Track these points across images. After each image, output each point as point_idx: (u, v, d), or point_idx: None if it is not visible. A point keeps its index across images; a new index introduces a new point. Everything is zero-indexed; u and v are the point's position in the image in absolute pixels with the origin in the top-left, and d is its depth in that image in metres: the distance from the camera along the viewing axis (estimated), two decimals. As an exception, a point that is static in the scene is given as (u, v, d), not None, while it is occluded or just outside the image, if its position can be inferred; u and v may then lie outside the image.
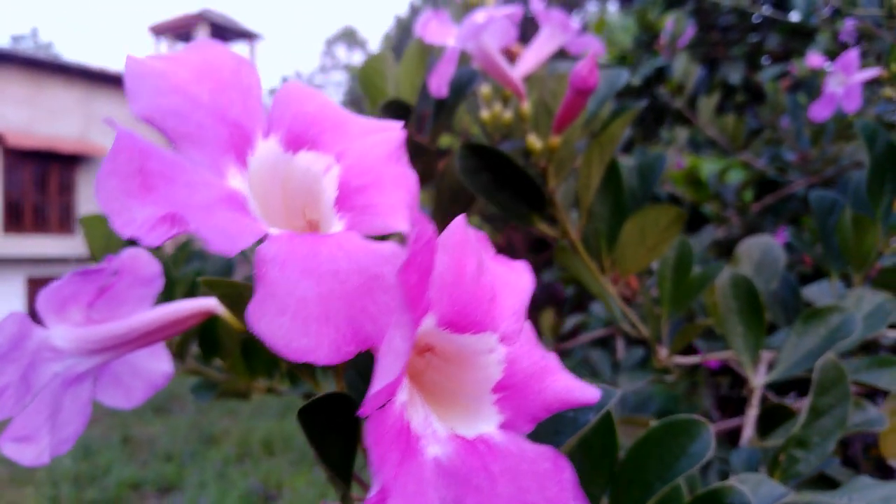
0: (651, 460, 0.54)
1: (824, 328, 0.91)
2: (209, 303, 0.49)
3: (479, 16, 0.86)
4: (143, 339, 0.51)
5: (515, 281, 0.34)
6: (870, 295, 1.03)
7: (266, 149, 0.37)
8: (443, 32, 0.88)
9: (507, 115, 1.15)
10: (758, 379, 0.95)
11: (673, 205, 0.89)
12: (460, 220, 0.33)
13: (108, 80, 15.21)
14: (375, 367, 0.27)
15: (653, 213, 0.92)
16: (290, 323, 0.27)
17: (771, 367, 1.08)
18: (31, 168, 14.32)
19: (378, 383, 0.26)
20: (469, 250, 0.32)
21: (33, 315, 0.51)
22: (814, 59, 3.54)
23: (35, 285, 14.44)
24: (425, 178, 0.94)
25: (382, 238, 0.33)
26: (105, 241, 1.22)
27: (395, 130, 0.41)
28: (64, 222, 15.00)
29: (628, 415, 2.34)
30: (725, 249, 3.18)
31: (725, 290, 0.93)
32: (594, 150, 0.88)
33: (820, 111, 1.55)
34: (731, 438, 1.63)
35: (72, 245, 14.66)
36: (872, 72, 1.47)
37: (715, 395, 2.88)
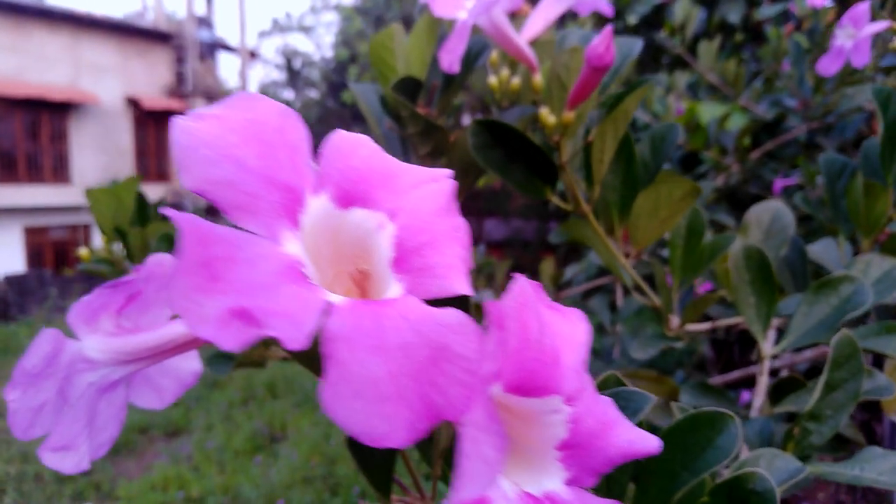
0: (677, 451, 0.56)
1: (836, 298, 0.92)
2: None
3: (492, -12, 0.84)
4: (178, 349, 0.51)
5: (573, 333, 0.34)
6: (878, 260, 1.04)
7: (317, 206, 0.36)
8: (453, 5, 0.85)
9: (515, 81, 1.13)
10: (768, 348, 0.96)
11: (685, 177, 0.88)
12: (522, 280, 0.32)
13: (95, 25, 14.81)
14: (459, 463, 0.27)
15: (666, 187, 0.92)
16: (366, 407, 0.27)
17: (780, 333, 1.09)
18: (22, 117, 14.07)
19: (466, 491, 0.26)
20: (532, 312, 0.32)
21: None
22: (816, -2, 3.47)
23: (33, 235, 14.38)
24: (437, 154, 0.93)
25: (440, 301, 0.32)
26: (113, 213, 1.21)
27: (444, 181, 0.40)
28: (58, 171, 14.83)
29: (627, 365, 2.38)
30: (726, 197, 3.18)
31: (738, 262, 0.94)
32: (608, 124, 0.87)
33: (828, 65, 1.53)
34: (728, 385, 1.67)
35: (67, 194, 14.53)
36: (882, 24, 1.45)
37: (711, 338, 2.92)
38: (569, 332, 0.33)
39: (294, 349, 0.27)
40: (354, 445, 0.45)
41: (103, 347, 0.51)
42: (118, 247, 1.30)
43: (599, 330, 2.87)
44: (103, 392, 0.52)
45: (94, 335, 0.52)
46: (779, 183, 3.11)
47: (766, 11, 4.19)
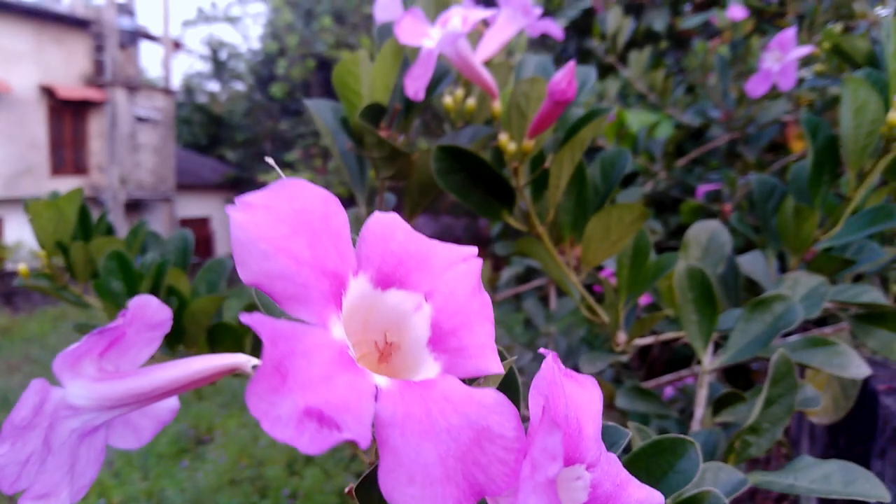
0: (641, 476, 0.59)
1: (770, 315, 0.99)
2: (238, 360, 0.49)
3: (456, 21, 0.86)
4: (165, 394, 0.51)
5: (591, 403, 0.37)
6: (805, 278, 1.12)
7: (356, 287, 0.38)
8: (418, 33, 0.87)
9: (470, 102, 1.16)
10: (708, 362, 1.02)
11: (638, 204, 0.93)
12: (550, 362, 0.35)
13: (7, 9, 13.99)
14: None
15: (618, 210, 0.96)
16: (419, 492, 0.29)
17: (716, 346, 1.16)
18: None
19: None
20: (560, 390, 0.35)
21: None
22: (735, 11, 3.64)
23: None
24: (400, 177, 0.95)
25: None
26: (54, 227, 1.17)
27: (473, 260, 0.42)
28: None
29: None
30: (653, 203, 3.31)
31: (682, 282, 0.99)
32: (565, 151, 0.90)
33: (756, 87, 1.62)
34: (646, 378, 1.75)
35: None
36: (806, 49, 1.55)
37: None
38: (587, 401, 0.36)
39: (364, 448, 0.28)
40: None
41: (87, 394, 0.51)
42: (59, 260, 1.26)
43: (532, 328, 2.94)
44: (85, 437, 0.52)
45: (77, 380, 0.51)
46: (701, 189, 3.26)
47: (689, 22, 4.37)
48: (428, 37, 0.89)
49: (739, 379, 2.84)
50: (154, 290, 1.08)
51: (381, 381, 0.33)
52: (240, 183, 18.00)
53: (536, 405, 0.33)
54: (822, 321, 1.54)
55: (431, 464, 0.30)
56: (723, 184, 3.30)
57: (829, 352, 1.03)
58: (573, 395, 0.36)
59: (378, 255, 0.39)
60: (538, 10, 1.17)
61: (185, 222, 16.76)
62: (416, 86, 0.87)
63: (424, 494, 0.29)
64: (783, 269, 1.32)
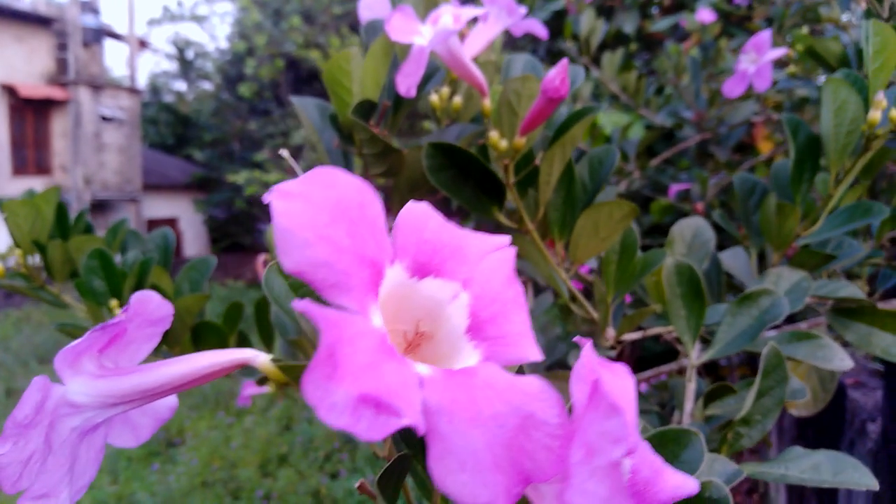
0: (645, 467, 0.60)
1: (756, 310, 1.00)
2: (247, 354, 0.48)
3: (448, 18, 0.86)
4: (171, 391, 0.50)
5: (626, 390, 0.37)
6: (788, 273, 1.14)
7: (392, 276, 0.38)
8: (409, 30, 0.87)
9: (457, 100, 1.16)
10: (696, 356, 1.04)
11: (627, 200, 0.94)
12: (589, 349, 0.35)
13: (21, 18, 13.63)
14: None
15: (606, 208, 0.97)
16: (470, 478, 0.29)
17: (703, 340, 1.18)
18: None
19: None
20: (601, 377, 0.35)
21: None
22: (704, 14, 3.69)
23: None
24: (391, 174, 0.94)
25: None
26: (31, 226, 1.14)
27: (507, 249, 0.42)
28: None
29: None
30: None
31: (671, 277, 1.01)
32: (556, 149, 0.91)
33: (733, 88, 1.65)
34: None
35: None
36: (781, 51, 1.58)
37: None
38: (623, 388, 0.36)
39: (421, 434, 0.28)
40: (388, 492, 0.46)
41: (89, 391, 0.50)
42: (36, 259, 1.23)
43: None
44: (85, 435, 0.51)
45: (78, 377, 0.50)
46: (673, 188, 3.31)
47: (658, 24, 4.44)
48: (419, 34, 0.88)
49: (708, 375, 2.89)
50: (137, 289, 1.06)
51: (423, 369, 0.33)
52: (208, 183, 17.77)
53: (580, 391, 0.33)
54: (794, 317, 1.58)
55: (480, 451, 0.30)
56: (694, 183, 3.35)
57: (812, 345, 1.05)
58: (610, 383, 0.36)
59: (413, 244, 0.39)
60: (523, 10, 1.18)
61: (153, 223, 16.47)
62: (408, 83, 0.86)
63: (475, 481, 0.29)
64: (762, 265, 1.35)
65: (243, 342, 1.29)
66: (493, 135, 0.93)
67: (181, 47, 20.52)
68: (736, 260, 1.34)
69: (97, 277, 1.04)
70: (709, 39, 3.53)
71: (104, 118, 15.31)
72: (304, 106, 1.11)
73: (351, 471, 5.64)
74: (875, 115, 0.98)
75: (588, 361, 0.33)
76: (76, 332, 1.05)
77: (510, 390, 0.33)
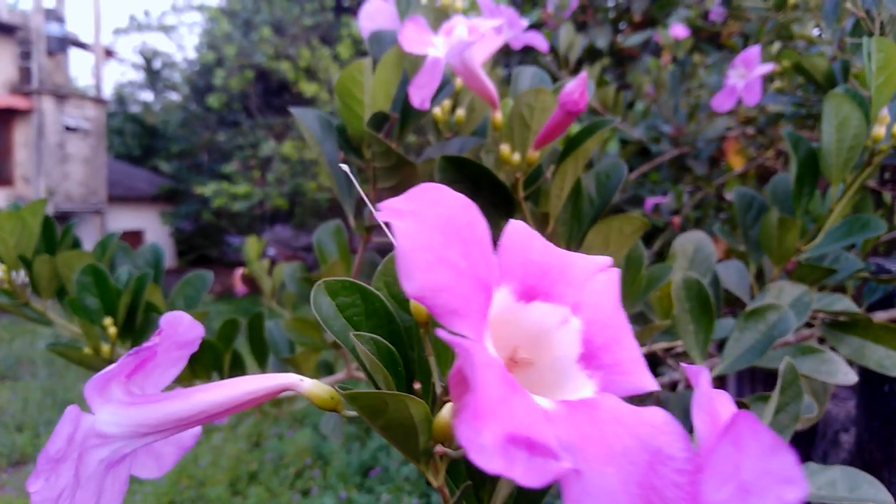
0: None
1: (763, 325, 1.00)
2: (291, 380, 0.46)
3: (462, 29, 0.84)
4: (208, 419, 0.47)
5: (728, 408, 0.35)
6: (789, 287, 1.14)
7: (499, 299, 0.35)
8: (422, 41, 0.85)
9: (460, 112, 1.14)
10: (703, 371, 1.03)
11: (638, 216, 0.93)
12: (708, 378, 0.33)
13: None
14: None
15: (618, 222, 0.96)
16: None
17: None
18: None
19: None
20: (718, 409, 0.33)
21: None
22: (677, 29, 3.75)
23: None
24: (402, 188, 0.92)
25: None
26: (16, 240, 1.10)
27: (612, 270, 0.40)
28: None
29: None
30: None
31: (679, 292, 1.00)
32: (569, 163, 0.90)
33: (722, 102, 1.67)
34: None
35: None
36: (769, 66, 1.60)
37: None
38: (726, 406, 0.35)
39: (573, 475, 0.26)
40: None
41: (119, 420, 0.47)
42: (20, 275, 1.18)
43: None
44: (111, 468, 0.48)
45: (107, 406, 0.47)
46: (650, 201, 3.34)
47: (631, 39, 4.50)
48: (432, 45, 0.87)
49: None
50: (132, 307, 1.02)
51: (544, 402, 0.31)
52: (175, 195, 17.50)
53: (704, 423, 0.31)
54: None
55: (617, 491, 0.28)
56: (671, 197, 3.38)
57: (817, 359, 1.05)
58: (721, 405, 0.35)
59: (520, 265, 0.37)
60: (524, 23, 1.17)
61: (99, 241, 16.09)
62: (422, 95, 0.85)
63: None
64: (758, 279, 1.35)
65: (237, 360, 1.25)
66: (505, 148, 0.92)
67: (148, 57, 20.25)
68: (732, 274, 1.34)
69: (90, 294, 1.00)
70: (683, 55, 3.59)
71: (68, 128, 14.99)
72: (304, 117, 1.08)
73: (323, 488, 5.56)
74: (879, 130, 0.99)
75: (708, 391, 0.32)
76: (69, 353, 1.01)
77: (637, 423, 0.31)
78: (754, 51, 1.59)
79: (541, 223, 1.03)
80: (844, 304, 1.21)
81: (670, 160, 3.32)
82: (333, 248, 1.28)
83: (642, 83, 3.64)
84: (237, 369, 1.22)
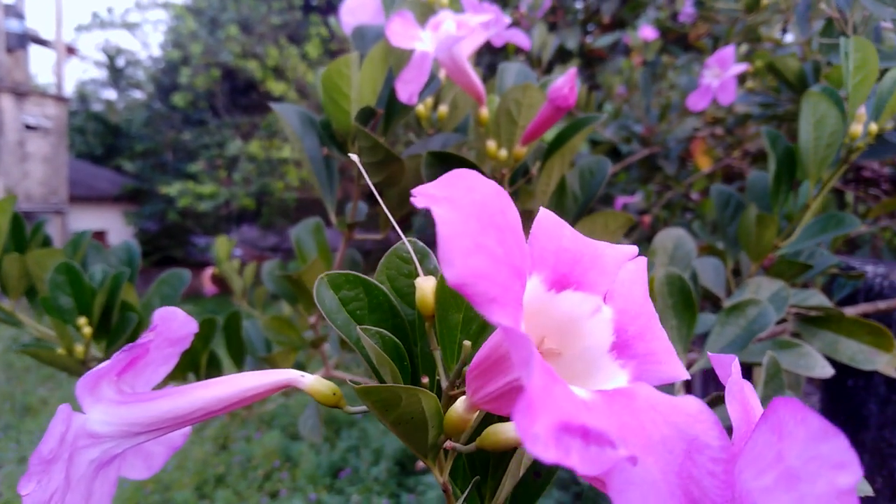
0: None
1: (744, 319, 1.02)
2: (291, 375, 0.45)
3: (451, 24, 0.84)
4: (204, 416, 0.46)
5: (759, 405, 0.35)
6: (767, 282, 1.16)
7: (531, 288, 0.35)
8: (410, 36, 0.84)
9: (442, 109, 1.14)
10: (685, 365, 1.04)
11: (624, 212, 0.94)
12: (738, 368, 0.33)
13: None
14: None
15: (602, 218, 0.96)
16: None
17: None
18: None
19: None
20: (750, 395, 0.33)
21: None
22: (646, 31, 3.79)
23: None
24: (389, 183, 0.91)
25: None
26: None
27: (639, 259, 0.40)
28: None
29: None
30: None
31: (662, 287, 1.01)
32: (556, 159, 0.90)
33: (697, 101, 1.69)
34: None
35: None
36: (743, 66, 1.62)
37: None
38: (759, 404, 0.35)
39: (634, 465, 0.25)
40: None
41: (111, 419, 0.45)
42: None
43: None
44: (100, 468, 0.46)
45: (98, 405, 0.45)
46: (620, 200, 3.37)
47: (600, 41, 4.55)
48: (420, 40, 0.86)
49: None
50: (108, 306, 1.00)
51: (580, 391, 0.30)
52: (139, 195, 17.18)
53: (736, 412, 0.31)
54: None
55: (658, 480, 0.27)
56: (641, 196, 3.42)
57: (795, 353, 1.07)
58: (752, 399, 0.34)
59: (552, 253, 0.36)
60: (506, 20, 1.17)
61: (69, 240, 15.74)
62: (409, 90, 0.84)
63: None
64: (735, 274, 1.37)
65: (213, 360, 1.23)
66: (491, 144, 0.92)
67: (111, 55, 19.84)
68: (709, 270, 1.36)
69: (63, 294, 0.97)
70: (654, 56, 3.63)
71: (28, 126, 14.62)
72: (286, 113, 1.07)
73: (291, 490, 5.50)
74: (857, 128, 1.01)
75: (739, 380, 0.32)
76: (41, 353, 0.97)
77: (673, 412, 0.31)
78: (728, 51, 1.62)
79: (525, 220, 1.02)
80: (819, 299, 1.23)
81: (640, 160, 3.36)
82: (312, 245, 1.27)
83: (613, 84, 3.68)
84: (214, 369, 1.20)
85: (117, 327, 0.99)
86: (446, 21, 0.85)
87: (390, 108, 0.95)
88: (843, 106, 1.06)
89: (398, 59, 0.91)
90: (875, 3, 0.97)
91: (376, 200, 1.09)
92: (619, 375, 0.36)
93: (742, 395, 0.32)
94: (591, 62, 5.28)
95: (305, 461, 5.84)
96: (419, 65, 0.83)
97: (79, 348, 0.98)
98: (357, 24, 1.09)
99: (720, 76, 1.62)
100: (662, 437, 0.29)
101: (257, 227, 15.93)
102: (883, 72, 1.06)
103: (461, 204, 0.29)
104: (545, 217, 0.38)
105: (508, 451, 0.46)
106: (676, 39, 4.05)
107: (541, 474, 0.53)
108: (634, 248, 0.40)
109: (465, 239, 0.28)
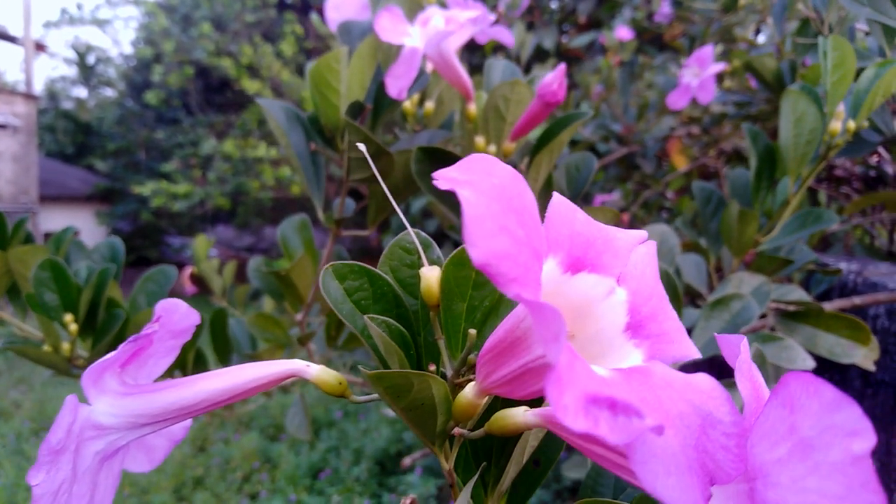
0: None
1: (728, 313, 1.03)
2: (296, 365, 0.45)
3: (439, 20, 0.84)
4: (210, 407, 0.45)
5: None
6: (748, 277, 1.18)
7: (547, 270, 0.35)
8: (399, 31, 0.85)
9: (429, 105, 1.14)
10: (671, 360, 1.06)
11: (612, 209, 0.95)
12: (745, 346, 0.34)
13: None
14: None
15: (591, 213, 0.97)
16: (677, 482, 0.27)
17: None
18: None
19: None
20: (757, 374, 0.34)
21: None
22: (622, 31, 3.83)
23: None
24: (381, 178, 0.91)
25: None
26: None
27: (649, 242, 0.41)
28: None
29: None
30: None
31: (648, 282, 1.02)
32: (544, 154, 0.91)
33: (676, 100, 1.71)
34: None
35: None
36: (721, 66, 1.65)
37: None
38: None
39: (660, 434, 0.26)
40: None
41: (117, 410, 0.45)
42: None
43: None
44: (105, 461, 0.46)
45: (103, 396, 0.45)
46: (598, 199, 3.40)
47: (577, 41, 4.59)
48: (408, 35, 0.86)
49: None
50: (94, 303, 0.99)
51: (598, 370, 0.31)
52: (111, 194, 16.93)
53: (746, 389, 0.32)
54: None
55: (678, 453, 0.28)
56: (619, 194, 3.45)
57: (777, 346, 1.09)
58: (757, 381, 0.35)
59: (567, 236, 0.37)
60: (491, 17, 1.18)
61: (51, 237, 15.50)
62: (399, 85, 0.84)
63: (680, 484, 0.27)
64: (717, 270, 1.39)
65: (199, 357, 1.22)
66: (480, 140, 0.92)
67: (81, 52, 19.52)
68: (690, 266, 1.38)
69: (48, 290, 0.96)
70: (631, 56, 3.66)
71: (-4, 125, 14.35)
72: (271, 108, 1.06)
73: (271, 491, 5.46)
74: (836, 125, 1.03)
75: (748, 359, 0.33)
76: (27, 350, 0.96)
77: (688, 389, 0.32)
78: (707, 50, 1.64)
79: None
80: (799, 294, 1.26)
81: (618, 158, 3.39)
82: (298, 242, 1.26)
83: (590, 83, 3.71)
84: (200, 367, 1.19)
85: (104, 324, 0.97)
86: (435, 17, 0.86)
87: (378, 104, 0.96)
88: (821, 104, 1.09)
89: (386, 54, 0.92)
90: (852, 3, 0.99)
91: (362, 197, 1.09)
92: (635, 355, 0.37)
93: (752, 374, 0.33)
94: (567, 62, 5.32)
95: (285, 462, 5.80)
96: (409, 60, 0.84)
97: (65, 346, 0.97)
98: (342, 19, 1.09)
99: (699, 75, 1.65)
100: (679, 412, 0.30)
101: (233, 227, 15.78)
102: (859, 71, 1.09)
103: (482, 187, 0.30)
104: (559, 201, 0.39)
105: (511, 440, 0.47)
106: (651, 40, 4.10)
107: (539, 463, 0.54)
108: (644, 233, 0.41)
109: (489, 221, 0.28)
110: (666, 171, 3.37)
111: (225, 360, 1.28)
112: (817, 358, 1.23)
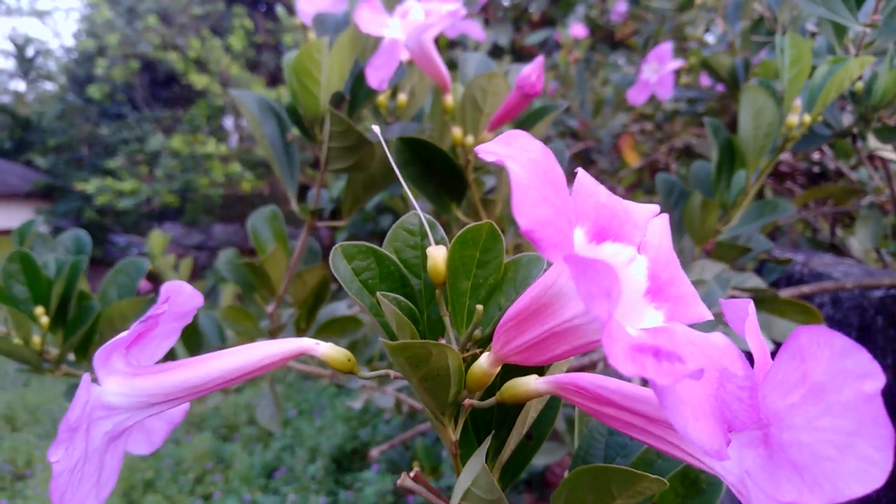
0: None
1: (693, 299, 1.08)
2: (305, 344, 0.46)
3: (418, 12, 0.85)
4: (219, 385, 0.46)
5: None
6: (710, 265, 1.23)
7: (576, 239, 0.37)
8: (378, 22, 0.86)
9: (402, 97, 1.15)
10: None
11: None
12: (752, 308, 0.37)
13: None
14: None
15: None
16: (704, 426, 0.29)
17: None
18: None
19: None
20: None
21: None
22: (577, 29, 3.89)
23: None
24: (358, 169, 0.92)
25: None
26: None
27: (662, 215, 0.43)
28: None
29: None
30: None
31: (618, 270, 1.06)
32: (519, 145, 0.93)
33: (636, 95, 1.76)
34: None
35: None
36: (679, 62, 1.70)
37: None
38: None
39: (699, 379, 0.28)
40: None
41: (125, 391, 0.45)
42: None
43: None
44: (112, 441, 0.46)
45: (112, 377, 0.45)
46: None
47: (532, 38, 4.65)
48: (388, 27, 0.87)
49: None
50: (65, 296, 0.97)
51: (629, 329, 0.33)
52: (53, 191, 16.38)
53: (755, 345, 0.35)
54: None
55: (703, 401, 0.31)
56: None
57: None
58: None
59: (593, 208, 0.39)
60: (463, 11, 1.20)
61: (14, 230, 14.90)
62: (379, 76, 0.85)
63: (708, 428, 0.30)
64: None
65: (169, 352, 1.20)
66: (457, 131, 0.94)
67: (20, 44, 18.83)
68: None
69: (18, 283, 0.94)
70: (586, 53, 3.73)
71: (-72, 119, 13.73)
72: (244, 99, 1.06)
73: (225, 492, 5.38)
74: (793, 118, 1.08)
75: (755, 319, 0.35)
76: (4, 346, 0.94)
77: (706, 346, 0.35)
78: (666, 47, 1.69)
79: (486, 206, 1.05)
80: (755, 281, 1.31)
81: (574, 153, 3.44)
82: (269, 234, 1.26)
83: (546, 80, 3.76)
84: (169, 359, 1.18)
85: (76, 318, 0.96)
86: (414, 9, 0.87)
87: (355, 95, 0.97)
88: (778, 98, 1.14)
89: (364, 45, 0.93)
90: (807, 2, 1.05)
91: (306, 188, 1.10)
92: (656, 316, 0.40)
93: (759, 332, 0.36)
94: (522, 59, 5.38)
95: (239, 462, 5.72)
96: (390, 51, 0.85)
97: (35, 339, 0.95)
98: (315, 12, 1.09)
99: (658, 71, 1.70)
100: (699, 367, 0.32)
101: (181, 224, 15.44)
102: (814, 68, 1.14)
103: (522, 161, 0.32)
104: (584, 177, 0.41)
105: (512, 413, 0.49)
106: (604, 38, 4.18)
107: (532, 437, 0.56)
108: (656, 207, 0.44)
109: (533, 191, 0.31)
110: (621, 166, 3.44)
111: (195, 352, 1.27)
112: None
